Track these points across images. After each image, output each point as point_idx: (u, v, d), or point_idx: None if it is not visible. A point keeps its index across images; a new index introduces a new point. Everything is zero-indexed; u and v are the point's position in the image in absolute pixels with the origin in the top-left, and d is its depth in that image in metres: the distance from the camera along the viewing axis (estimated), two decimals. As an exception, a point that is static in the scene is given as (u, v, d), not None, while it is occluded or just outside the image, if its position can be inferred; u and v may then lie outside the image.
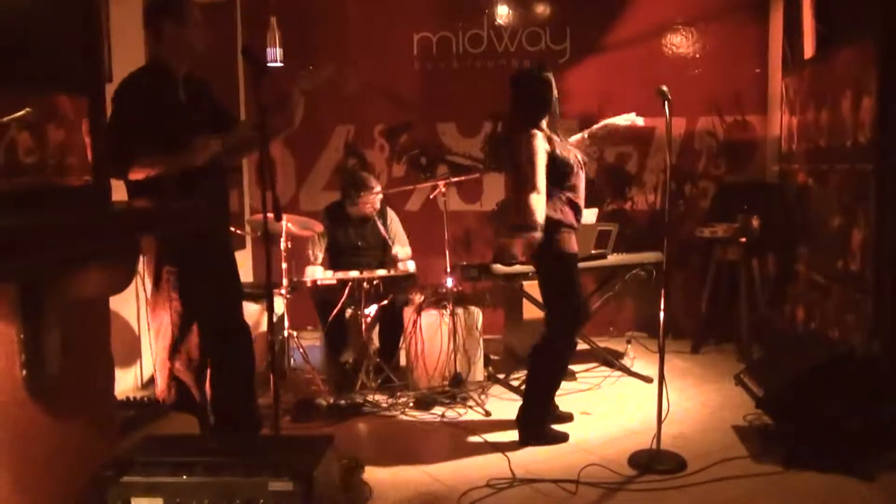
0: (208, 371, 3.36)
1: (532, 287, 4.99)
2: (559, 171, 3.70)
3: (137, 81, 3.18)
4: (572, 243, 3.75)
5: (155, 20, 3.18)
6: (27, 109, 2.19)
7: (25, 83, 2.24)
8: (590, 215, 5.00)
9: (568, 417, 4.09)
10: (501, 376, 4.77)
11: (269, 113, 3.15)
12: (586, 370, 4.98)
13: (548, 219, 3.63)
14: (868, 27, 3.81)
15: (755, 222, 5.09)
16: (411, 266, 4.84)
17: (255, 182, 6.04)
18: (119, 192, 2.59)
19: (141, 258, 2.55)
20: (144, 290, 3.35)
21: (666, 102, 3.44)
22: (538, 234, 3.58)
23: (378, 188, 4.92)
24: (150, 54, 3.25)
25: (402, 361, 4.87)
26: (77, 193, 2.38)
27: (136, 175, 3.09)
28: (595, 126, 4.09)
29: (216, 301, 3.35)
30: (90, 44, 2.39)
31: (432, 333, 4.56)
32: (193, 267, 3.24)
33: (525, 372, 4.69)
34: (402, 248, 5.02)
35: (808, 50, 4.93)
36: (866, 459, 3.32)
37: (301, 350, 4.62)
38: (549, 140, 3.69)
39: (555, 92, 3.75)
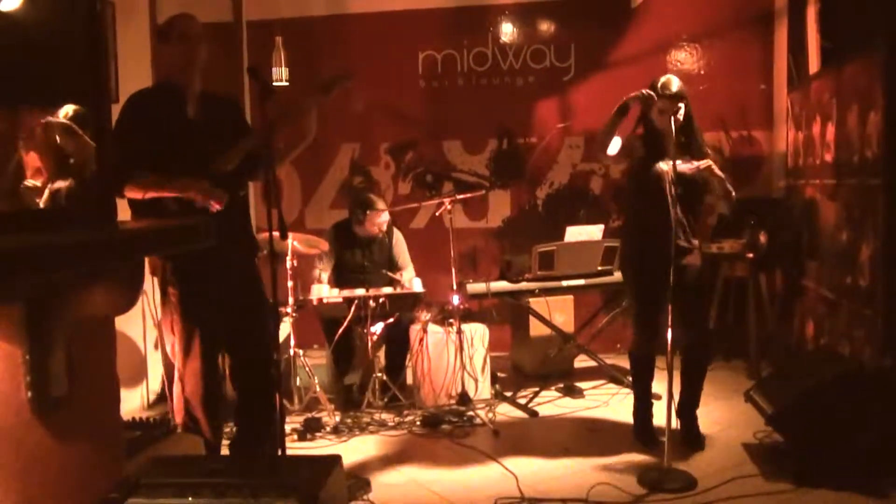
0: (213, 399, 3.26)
1: (538, 304, 4.99)
2: None
3: (139, 99, 3.19)
4: None
5: (159, 44, 3.33)
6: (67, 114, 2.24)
7: (30, 102, 2.26)
8: (596, 231, 5.00)
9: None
10: (509, 394, 4.74)
11: (278, 128, 3.18)
12: (594, 387, 4.95)
13: None
14: (873, 42, 3.81)
15: (762, 238, 5.06)
16: (417, 284, 4.83)
17: (261, 200, 6.05)
18: (125, 212, 2.59)
19: (148, 278, 2.53)
20: (152, 310, 3.33)
21: (672, 118, 3.44)
22: None
23: (385, 209, 4.91)
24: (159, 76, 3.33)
25: (409, 380, 4.84)
26: (81, 214, 2.38)
27: (132, 195, 3.04)
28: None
29: (230, 329, 3.26)
30: (95, 64, 2.41)
31: (439, 351, 4.54)
32: (199, 290, 3.15)
33: (534, 389, 4.70)
34: (406, 275, 5.01)
35: (813, 65, 4.93)
36: (879, 477, 3.28)
37: (307, 369, 4.60)
38: None
39: None
